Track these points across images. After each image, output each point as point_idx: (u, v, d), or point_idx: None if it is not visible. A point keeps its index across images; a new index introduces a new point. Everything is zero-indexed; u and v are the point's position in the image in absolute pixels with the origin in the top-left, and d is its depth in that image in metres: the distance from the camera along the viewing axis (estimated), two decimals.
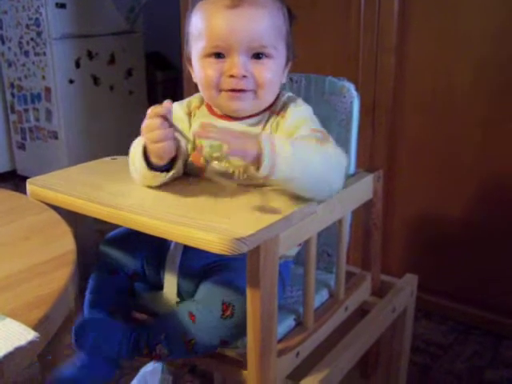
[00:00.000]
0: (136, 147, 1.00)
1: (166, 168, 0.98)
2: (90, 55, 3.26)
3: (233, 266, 1.04)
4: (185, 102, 1.14)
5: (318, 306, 1.16)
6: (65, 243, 0.82)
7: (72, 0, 3.11)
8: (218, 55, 1.01)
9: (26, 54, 3.19)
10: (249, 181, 0.99)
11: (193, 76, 1.11)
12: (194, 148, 1.08)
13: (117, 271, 1.12)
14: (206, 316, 0.99)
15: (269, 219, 0.86)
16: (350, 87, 1.21)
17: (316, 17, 1.90)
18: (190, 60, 1.10)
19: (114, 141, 3.37)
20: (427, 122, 1.80)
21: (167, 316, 1.06)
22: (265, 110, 1.08)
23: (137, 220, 0.90)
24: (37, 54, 3.15)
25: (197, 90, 1.12)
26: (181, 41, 2.30)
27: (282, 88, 1.13)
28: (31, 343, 0.60)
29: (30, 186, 1.05)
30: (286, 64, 1.09)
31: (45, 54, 3.11)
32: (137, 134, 1.01)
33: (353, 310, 1.24)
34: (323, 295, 1.19)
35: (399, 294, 1.32)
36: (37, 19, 3.06)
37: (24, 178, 3.54)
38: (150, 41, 3.65)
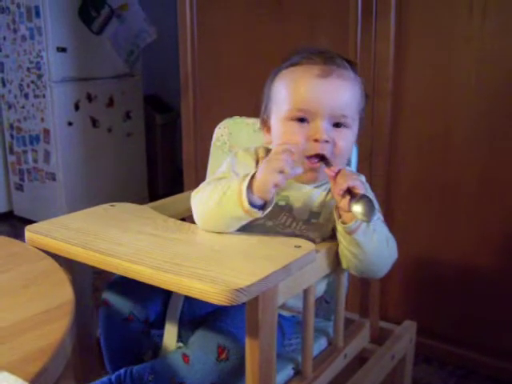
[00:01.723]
0: (232, 187, 0.99)
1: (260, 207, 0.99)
2: (89, 98, 3.29)
3: (231, 312, 1.04)
4: (252, 149, 1.17)
5: (316, 354, 1.15)
6: (63, 293, 0.82)
7: (73, 44, 3.16)
8: (302, 120, 1.05)
9: (26, 96, 3.23)
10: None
11: (265, 138, 1.15)
12: None
13: (130, 318, 1.12)
14: (200, 358, 0.99)
15: (268, 269, 0.86)
16: None
17: None
18: (265, 123, 1.14)
19: (111, 183, 3.38)
20: (424, 166, 1.81)
21: (158, 359, 1.05)
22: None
23: (134, 269, 0.89)
24: (36, 97, 3.18)
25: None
26: (179, 84, 2.34)
27: None
28: None
29: (28, 233, 1.05)
30: (355, 140, 1.13)
31: (44, 96, 3.14)
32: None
33: (352, 357, 1.23)
34: (322, 343, 1.18)
35: (398, 341, 1.31)
36: (38, 63, 3.10)
37: (21, 219, 3.53)
38: (149, 83, 3.70)
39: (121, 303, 1.12)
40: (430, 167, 1.79)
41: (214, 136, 1.44)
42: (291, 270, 0.90)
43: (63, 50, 3.12)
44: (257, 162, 1.14)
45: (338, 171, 0.98)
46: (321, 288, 1.16)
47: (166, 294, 1.14)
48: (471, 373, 1.84)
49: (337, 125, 1.05)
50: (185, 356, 1.00)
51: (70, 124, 3.22)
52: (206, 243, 1.00)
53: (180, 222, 1.12)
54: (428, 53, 1.74)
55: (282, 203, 1.08)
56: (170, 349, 1.09)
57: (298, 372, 1.09)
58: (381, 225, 1.05)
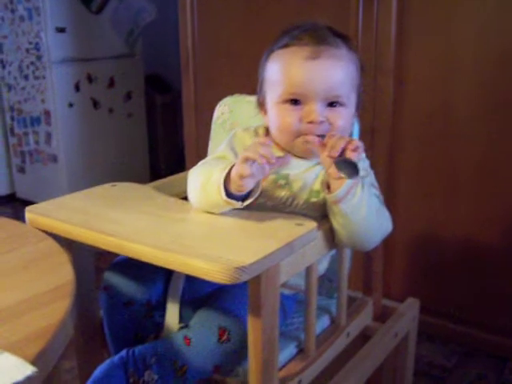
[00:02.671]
0: (215, 174, 0.99)
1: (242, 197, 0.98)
2: (89, 79, 3.27)
3: (232, 292, 1.04)
4: (252, 128, 1.17)
5: (319, 333, 1.14)
6: (63, 274, 0.81)
7: (72, 24, 3.13)
8: (295, 102, 1.05)
9: (26, 77, 3.21)
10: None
11: (264, 119, 1.14)
12: None
13: (131, 302, 1.12)
14: (202, 340, 0.99)
15: (270, 247, 0.85)
16: None
17: None
18: (262, 105, 1.14)
19: (113, 164, 3.37)
20: (426, 144, 1.80)
21: (160, 340, 1.05)
22: None
23: (135, 248, 0.89)
24: (36, 78, 3.16)
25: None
26: (180, 64, 2.32)
27: None
28: (29, 378, 0.59)
29: (28, 213, 1.04)
30: (355, 115, 1.13)
31: (44, 77, 3.12)
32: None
33: (355, 335, 1.23)
34: (324, 321, 1.18)
35: (401, 318, 1.31)
36: (37, 43, 3.08)
37: (23, 201, 3.54)
38: (149, 64, 3.67)
39: (122, 286, 1.12)
40: (432, 143, 1.78)
41: (215, 114, 1.43)
42: (293, 248, 0.89)
43: (62, 30, 3.09)
44: None
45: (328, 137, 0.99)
46: (323, 266, 1.16)
47: (168, 275, 1.14)
48: (473, 350, 1.85)
49: (331, 104, 1.04)
50: (186, 338, 1.00)
51: (70, 105, 3.21)
52: (207, 222, 0.99)
53: (181, 201, 1.11)
54: (429, 30, 1.72)
55: (282, 182, 1.08)
56: (172, 329, 1.09)
57: (300, 350, 1.09)
58: (371, 197, 1.04)
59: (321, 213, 1.07)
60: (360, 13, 1.82)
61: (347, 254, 1.15)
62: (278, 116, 1.07)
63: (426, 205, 1.84)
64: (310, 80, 1.03)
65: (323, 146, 0.98)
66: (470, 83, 1.68)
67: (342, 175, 0.94)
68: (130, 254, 0.90)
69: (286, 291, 1.13)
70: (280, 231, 0.92)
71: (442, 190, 1.80)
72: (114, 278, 1.13)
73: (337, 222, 1.02)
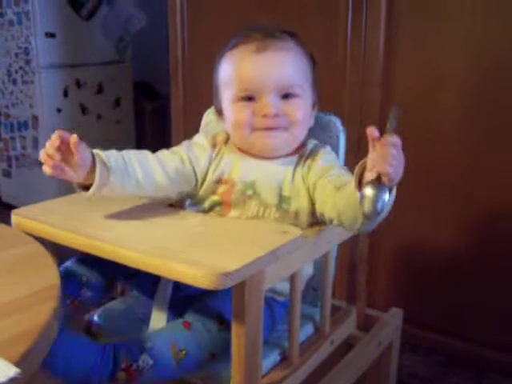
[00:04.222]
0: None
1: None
2: (78, 84, 3.27)
3: (221, 294, 1.03)
4: (210, 134, 1.18)
5: (303, 341, 1.15)
6: (49, 277, 0.81)
7: (61, 30, 3.13)
8: (249, 99, 1.05)
9: (14, 82, 3.20)
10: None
11: (224, 125, 1.14)
12: (203, 181, 1.11)
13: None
14: (202, 325, 0.98)
15: (254, 253, 0.86)
16: (337, 122, 1.23)
17: None
18: (219, 111, 1.14)
19: None
20: (412, 156, 1.81)
21: (153, 331, 1.04)
22: (294, 153, 1.12)
23: (122, 254, 0.89)
24: (25, 83, 3.15)
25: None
26: (169, 71, 2.33)
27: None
28: (12, 380, 0.59)
29: (14, 216, 1.05)
30: (313, 107, 1.13)
31: (33, 82, 3.11)
32: None
33: (338, 344, 1.24)
34: (308, 329, 1.19)
35: (384, 328, 1.31)
36: (26, 48, 3.08)
37: (9, 206, 3.51)
38: (138, 71, 3.67)
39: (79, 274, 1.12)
40: (418, 156, 1.80)
41: (203, 122, 1.44)
42: (278, 255, 0.90)
43: (52, 35, 3.09)
44: (214, 147, 1.14)
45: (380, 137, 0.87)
46: (308, 270, 1.16)
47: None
48: (454, 361, 1.86)
49: (286, 96, 1.05)
50: (186, 323, 0.99)
51: (58, 111, 3.20)
52: (193, 228, 1.00)
53: (168, 206, 1.12)
54: (418, 41, 1.74)
55: (250, 192, 1.08)
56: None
57: (284, 358, 1.10)
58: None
59: (295, 221, 1.07)
60: (349, 24, 1.83)
61: (332, 262, 1.16)
62: (232, 114, 1.07)
63: (411, 216, 1.85)
64: (260, 73, 1.03)
65: (375, 139, 0.87)
66: (457, 93, 1.70)
67: (366, 200, 0.83)
68: (115, 258, 0.91)
69: (281, 298, 1.13)
70: (265, 238, 0.93)
71: (426, 202, 1.82)
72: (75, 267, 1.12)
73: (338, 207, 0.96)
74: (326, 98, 1.89)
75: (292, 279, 1.03)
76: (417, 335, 1.89)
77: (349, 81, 1.86)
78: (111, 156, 1.00)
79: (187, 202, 1.16)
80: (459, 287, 1.81)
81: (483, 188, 1.71)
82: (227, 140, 1.15)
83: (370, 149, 0.86)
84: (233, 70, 1.07)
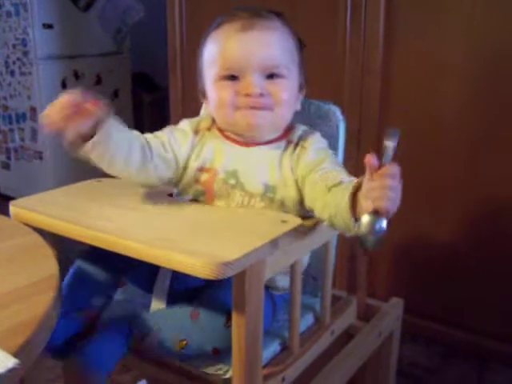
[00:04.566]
0: None
1: None
2: (76, 76, 3.26)
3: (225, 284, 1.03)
4: (195, 119, 1.15)
5: (303, 331, 1.15)
6: (48, 267, 0.81)
7: (59, 21, 3.11)
8: (233, 78, 1.03)
9: (12, 73, 3.18)
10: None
11: (208, 108, 1.12)
12: (185, 168, 1.08)
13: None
14: (210, 317, 0.98)
15: (255, 243, 0.85)
16: (336, 111, 1.22)
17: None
18: (204, 93, 1.11)
19: None
20: (413, 146, 1.81)
21: (164, 311, 1.05)
22: (282, 138, 1.09)
23: (122, 244, 0.89)
24: (23, 74, 3.14)
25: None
26: (167, 62, 2.32)
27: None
28: (11, 370, 0.59)
29: (13, 207, 1.04)
30: (299, 90, 1.10)
31: (31, 73, 3.10)
32: None
33: (339, 334, 1.24)
34: (309, 319, 1.18)
35: (385, 318, 1.31)
36: (24, 39, 3.06)
37: (7, 198, 3.50)
38: (137, 62, 3.66)
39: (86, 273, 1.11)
40: (418, 146, 1.79)
41: (201, 114, 1.43)
42: (278, 245, 0.89)
43: (49, 26, 3.07)
44: (196, 133, 1.11)
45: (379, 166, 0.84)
46: (304, 259, 1.15)
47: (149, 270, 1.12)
48: (455, 351, 1.86)
49: (271, 76, 1.02)
50: (194, 312, 0.98)
51: None
52: (193, 218, 0.99)
53: (167, 197, 1.12)
54: (417, 31, 1.73)
55: (233, 182, 1.05)
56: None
57: (284, 348, 1.09)
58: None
59: (282, 211, 1.04)
60: (348, 14, 1.82)
61: (332, 252, 1.16)
62: (214, 93, 1.05)
63: (412, 205, 1.85)
64: (244, 52, 1.01)
65: (373, 168, 0.84)
66: (457, 84, 1.69)
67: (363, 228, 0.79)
68: (115, 249, 0.90)
69: (279, 292, 1.13)
70: (265, 227, 0.93)
71: (427, 192, 1.81)
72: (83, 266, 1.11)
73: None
74: (326, 88, 1.89)
75: (292, 269, 1.02)
76: (417, 325, 1.89)
77: (348, 71, 1.86)
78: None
79: (174, 192, 1.14)
80: (460, 277, 1.81)
81: (485, 178, 1.70)
82: (211, 126, 1.12)
83: (367, 176, 0.83)
84: (217, 49, 1.04)
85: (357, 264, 1.30)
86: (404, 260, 1.93)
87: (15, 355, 0.60)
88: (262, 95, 1.01)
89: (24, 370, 0.62)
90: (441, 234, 1.82)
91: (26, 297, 0.73)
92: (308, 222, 1.02)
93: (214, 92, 1.05)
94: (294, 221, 0.95)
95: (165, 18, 2.28)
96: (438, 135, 1.76)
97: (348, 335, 1.28)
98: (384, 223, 0.79)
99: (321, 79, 1.91)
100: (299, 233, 0.96)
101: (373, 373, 1.37)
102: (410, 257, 1.91)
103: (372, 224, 0.78)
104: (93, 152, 0.93)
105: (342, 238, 1.22)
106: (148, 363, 1.05)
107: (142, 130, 1.13)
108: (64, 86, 3.20)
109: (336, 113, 1.22)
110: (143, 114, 3.66)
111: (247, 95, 1.01)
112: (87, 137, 0.92)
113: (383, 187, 0.79)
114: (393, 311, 1.35)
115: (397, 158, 0.86)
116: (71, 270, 1.10)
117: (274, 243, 0.88)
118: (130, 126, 1.03)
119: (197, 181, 1.08)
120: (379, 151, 1.83)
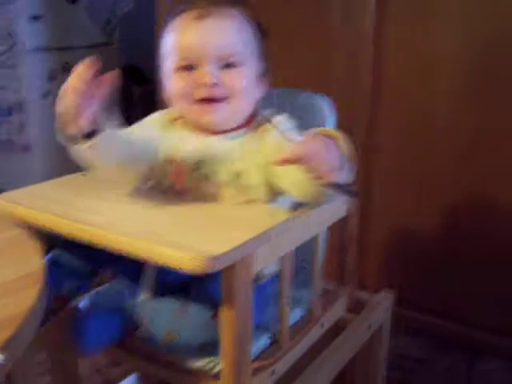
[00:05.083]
0: None
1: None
2: (64, 68, 3.23)
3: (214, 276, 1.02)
4: (164, 111, 1.14)
5: (293, 324, 1.14)
6: (33, 262, 0.80)
7: (47, 12, 3.08)
8: (190, 68, 1.02)
9: None
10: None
11: (166, 98, 1.11)
12: (155, 161, 1.08)
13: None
14: (198, 310, 0.97)
15: (244, 236, 0.85)
16: (323, 103, 1.21)
17: (292, 33, 1.90)
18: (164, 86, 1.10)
19: None
20: (405, 138, 1.81)
21: (152, 303, 1.04)
22: (243, 126, 1.08)
23: (109, 238, 0.88)
24: (10, 67, 3.11)
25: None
26: (157, 54, 2.30)
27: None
28: None
29: (0, 201, 1.03)
30: (261, 78, 1.09)
31: (18, 66, 3.07)
32: None
33: (329, 326, 1.23)
34: (298, 312, 1.18)
35: (375, 310, 1.31)
36: (10, 31, 3.03)
37: None
38: (126, 54, 3.63)
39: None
40: (410, 138, 1.79)
41: None
42: (267, 238, 0.89)
43: (37, 17, 3.04)
44: (163, 124, 1.11)
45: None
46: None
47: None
48: (445, 342, 1.87)
49: (228, 66, 1.02)
50: (182, 305, 0.98)
51: (45, 95, 3.16)
52: (181, 211, 0.99)
53: (153, 190, 1.11)
54: (409, 25, 1.73)
55: (199, 172, 1.05)
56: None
57: (274, 341, 1.09)
58: None
59: (254, 196, 1.04)
60: (339, 8, 1.82)
61: (321, 245, 1.15)
62: (171, 84, 1.05)
63: (403, 197, 1.85)
64: (200, 40, 1.00)
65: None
66: (450, 76, 1.69)
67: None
68: (101, 242, 0.89)
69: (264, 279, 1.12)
70: (254, 220, 0.92)
71: (419, 185, 1.81)
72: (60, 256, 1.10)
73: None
74: (316, 82, 1.88)
75: (282, 261, 1.02)
76: (408, 317, 1.89)
77: (337, 64, 1.85)
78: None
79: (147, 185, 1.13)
80: (451, 268, 1.81)
81: (477, 172, 1.71)
82: (178, 117, 1.11)
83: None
84: (173, 39, 1.03)
85: (347, 256, 1.30)
86: (395, 252, 1.93)
87: (1, 350, 0.60)
88: (216, 85, 1.00)
89: (9, 366, 0.61)
90: (432, 226, 1.82)
91: (13, 291, 0.72)
92: (298, 214, 1.00)
93: (171, 83, 1.05)
94: (284, 213, 0.95)
95: (154, 8, 2.26)
96: (430, 128, 1.76)
97: (338, 328, 1.27)
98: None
99: (310, 73, 1.90)
100: (288, 225, 0.95)
101: (363, 365, 1.37)
102: (401, 249, 1.91)
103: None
104: (87, 151, 0.93)
105: (331, 230, 1.22)
106: (137, 357, 1.05)
107: (132, 121, 1.12)
108: (52, 78, 3.18)
109: (324, 104, 1.21)
110: (133, 106, 3.63)
111: (202, 85, 1.00)
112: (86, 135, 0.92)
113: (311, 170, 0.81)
114: (383, 303, 1.35)
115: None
116: (46, 257, 1.09)
117: (263, 236, 0.87)
118: (119, 119, 1.02)
119: (166, 173, 1.08)
120: (370, 145, 1.84)
